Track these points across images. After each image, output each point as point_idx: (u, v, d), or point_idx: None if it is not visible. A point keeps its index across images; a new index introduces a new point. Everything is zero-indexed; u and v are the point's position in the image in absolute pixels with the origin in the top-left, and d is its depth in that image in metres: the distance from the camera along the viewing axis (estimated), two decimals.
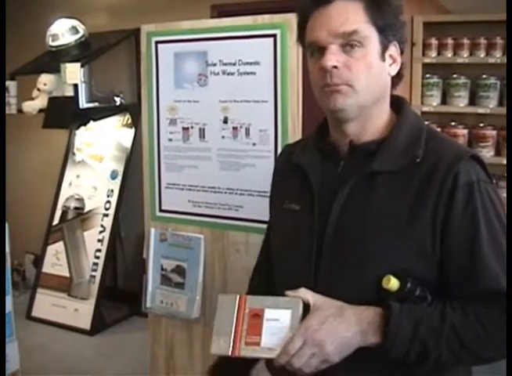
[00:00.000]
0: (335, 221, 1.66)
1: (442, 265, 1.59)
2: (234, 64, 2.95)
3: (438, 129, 4.18)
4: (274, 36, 2.83)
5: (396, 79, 1.74)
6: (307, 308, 1.60)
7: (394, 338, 1.51)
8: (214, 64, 3.00)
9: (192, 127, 3.10)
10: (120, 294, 6.08)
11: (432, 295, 1.58)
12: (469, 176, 1.57)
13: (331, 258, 1.66)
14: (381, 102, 1.70)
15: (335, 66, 1.57)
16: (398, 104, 1.75)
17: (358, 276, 1.62)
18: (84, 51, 5.61)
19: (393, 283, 1.54)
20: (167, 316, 3.26)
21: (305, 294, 1.62)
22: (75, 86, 5.48)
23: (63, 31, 5.52)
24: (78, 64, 5.34)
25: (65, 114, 5.69)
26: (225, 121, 3.00)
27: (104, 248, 5.67)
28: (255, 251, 2.96)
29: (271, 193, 2.06)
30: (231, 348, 1.62)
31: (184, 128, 3.12)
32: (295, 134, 2.84)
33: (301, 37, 1.71)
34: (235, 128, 2.98)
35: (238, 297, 1.69)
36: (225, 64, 2.97)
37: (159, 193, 3.25)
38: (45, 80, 5.69)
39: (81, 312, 5.61)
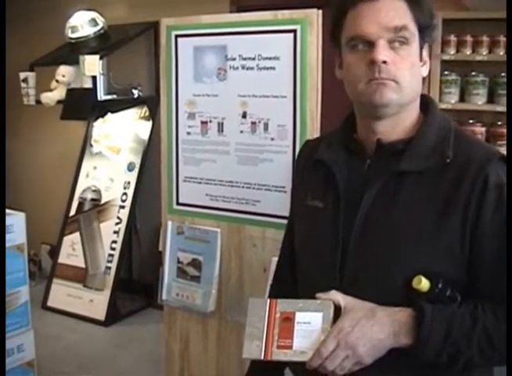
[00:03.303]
0: (362, 221, 1.64)
1: (472, 266, 1.57)
2: (253, 59, 2.95)
3: None
4: (294, 31, 2.83)
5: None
6: (338, 310, 1.59)
7: (426, 340, 1.50)
8: (234, 59, 3.01)
9: (210, 121, 3.11)
10: (136, 286, 6.10)
11: (461, 295, 1.56)
12: (499, 178, 1.55)
13: (357, 259, 1.65)
14: (414, 102, 1.69)
15: (384, 62, 1.56)
16: (425, 103, 1.74)
17: (384, 277, 1.61)
18: (103, 43, 5.63)
19: (424, 283, 1.53)
20: (183, 309, 3.28)
21: (336, 296, 1.61)
22: (93, 78, 5.50)
23: (82, 23, 5.54)
24: (97, 56, 5.36)
25: (83, 106, 5.72)
26: (244, 115, 3.00)
27: (120, 240, 5.69)
28: (272, 245, 2.99)
29: (292, 188, 2.04)
30: (263, 352, 1.61)
31: (202, 122, 3.13)
32: (313, 129, 2.84)
33: (337, 30, 1.68)
34: (253, 123, 2.98)
35: (268, 301, 1.68)
36: (245, 59, 2.98)
37: (176, 186, 3.26)
38: (64, 71, 5.71)
39: (96, 303, 5.64)
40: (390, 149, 1.68)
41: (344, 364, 1.54)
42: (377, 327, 1.54)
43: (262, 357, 1.61)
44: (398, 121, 1.67)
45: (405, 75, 1.59)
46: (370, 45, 1.58)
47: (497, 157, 1.59)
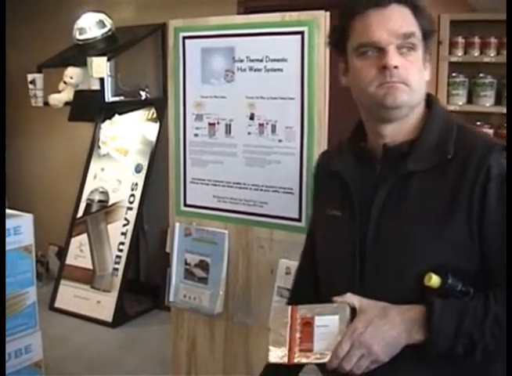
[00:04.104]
0: (375, 225, 1.69)
1: (483, 257, 1.60)
2: (261, 61, 2.96)
3: None
4: (301, 33, 2.84)
5: None
6: (354, 312, 1.65)
7: (437, 334, 1.53)
8: (242, 60, 3.01)
9: (218, 123, 3.11)
10: (143, 288, 6.10)
11: (475, 288, 1.59)
12: (501, 167, 1.59)
13: (374, 261, 1.69)
14: (420, 104, 1.73)
15: (395, 67, 1.61)
16: (429, 102, 1.77)
17: (400, 276, 1.65)
18: (111, 45, 5.63)
19: (434, 280, 1.57)
20: (190, 311, 3.28)
21: (351, 298, 1.66)
22: (101, 80, 5.50)
23: (90, 25, 5.55)
24: (105, 58, 5.37)
25: (91, 108, 5.73)
26: (252, 117, 3.01)
27: (127, 241, 5.69)
28: (279, 247, 2.99)
29: (313, 199, 2.08)
30: (287, 356, 1.69)
31: (210, 124, 3.14)
32: (321, 131, 2.85)
33: (343, 37, 1.72)
34: (261, 125, 2.99)
35: (290, 308, 1.75)
36: (252, 61, 2.99)
37: (184, 188, 3.27)
38: (72, 73, 5.71)
39: (103, 305, 5.64)
40: (396, 152, 1.72)
41: (361, 363, 1.59)
42: (389, 326, 1.58)
43: (287, 361, 1.69)
44: (405, 123, 1.72)
45: (415, 79, 1.64)
46: (380, 50, 1.63)
47: (499, 147, 1.64)
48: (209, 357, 3.31)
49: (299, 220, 2.93)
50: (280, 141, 2.95)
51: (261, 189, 3.03)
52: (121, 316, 5.62)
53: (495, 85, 4.36)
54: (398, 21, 1.63)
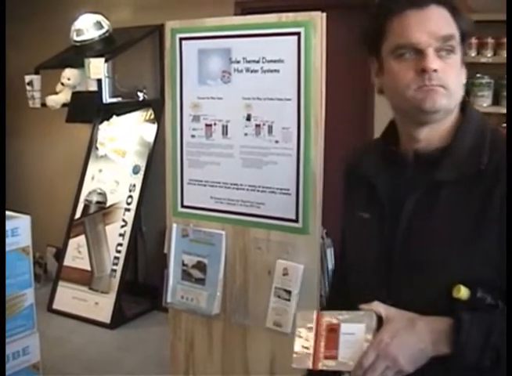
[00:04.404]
0: (402, 232, 1.67)
1: None
2: (258, 62, 2.96)
3: None
4: (298, 34, 2.83)
5: None
6: (380, 321, 1.63)
7: (464, 347, 1.50)
8: (238, 61, 3.01)
9: (215, 124, 3.11)
10: (141, 289, 6.11)
11: (504, 301, 1.56)
12: None
13: (401, 270, 1.68)
14: (456, 108, 1.70)
15: (435, 70, 1.57)
16: (462, 103, 1.73)
17: (427, 286, 1.63)
18: (108, 46, 5.64)
19: (463, 292, 1.54)
20: (188, 312, 3.28)
21: (378, 307, 1.64)
22: (99, 81, 5.51)
23: (87, 26, 5.56)
24: (102, 59, 5.39)
25: (88, 109, 5.74)
26: (248, 118, 3.01)
27: (125, 243, 5.70)
28: (276, 248, 2.99)
29: (343, 200, 2.05)
30: (311, 362, 1.67)
31: (207, 125, 3.14)
32: (318, 132, 2.84)
33: (378, 38, 1.68)
34: (258, 126, 2.99)
35: (315, 312, 1.74)
36: (249, 62, 2.98)
37: (181, 189, 3.27)
38: (69, 74, 5.73)
39: (101, 306, 5.64)
40: (428, 158, 1.69)
41: (386, 374, 1.56)
42: (416, 337, 1.55)
43: (311, 366, 1.67)
44: (440, 126, 1.68)
45: (454, 83, 1.61)
46: (418, 53, 1.59)
47: None
48: (207, 358, 3.31)
49: (296, 221, 2.93)
50: (277, 142, 2.95)
51: (258, 190, 3.03)
52: (119, 318, 5.63)
53: (492, 86, 4.37)
54: (439, 23, 1.59)
